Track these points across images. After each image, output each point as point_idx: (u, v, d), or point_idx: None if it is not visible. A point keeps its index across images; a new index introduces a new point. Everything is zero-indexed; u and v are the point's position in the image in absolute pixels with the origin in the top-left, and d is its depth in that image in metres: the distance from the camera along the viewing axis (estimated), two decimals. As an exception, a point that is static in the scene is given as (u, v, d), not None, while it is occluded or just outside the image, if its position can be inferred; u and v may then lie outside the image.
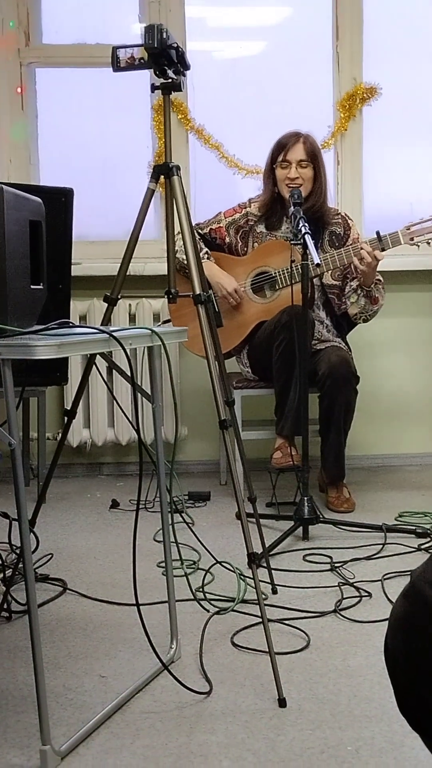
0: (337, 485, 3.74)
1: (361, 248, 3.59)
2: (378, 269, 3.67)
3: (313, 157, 3.79)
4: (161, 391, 4.06)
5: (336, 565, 2.95)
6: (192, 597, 2.61)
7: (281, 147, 3.79)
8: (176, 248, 2.92)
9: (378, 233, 3.62)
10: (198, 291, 2.38)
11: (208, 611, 2.55)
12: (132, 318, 4.34)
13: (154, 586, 2.77)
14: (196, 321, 2.38)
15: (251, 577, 2.25)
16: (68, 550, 3.20)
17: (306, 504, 3.23)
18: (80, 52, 4.46)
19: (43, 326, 1.84)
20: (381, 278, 3.78)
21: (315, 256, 3.07)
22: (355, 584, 2.75)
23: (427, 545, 3.13)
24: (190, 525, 3.38)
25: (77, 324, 2.38)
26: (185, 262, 2.50)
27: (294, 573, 2.90)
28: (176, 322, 3.76)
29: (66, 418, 2.76)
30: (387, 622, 1.19)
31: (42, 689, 1.73)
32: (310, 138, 3.81)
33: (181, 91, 2.56)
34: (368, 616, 2.51)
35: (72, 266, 2.90)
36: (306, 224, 3.17)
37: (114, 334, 1.83)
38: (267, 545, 2.90)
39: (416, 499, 3.87)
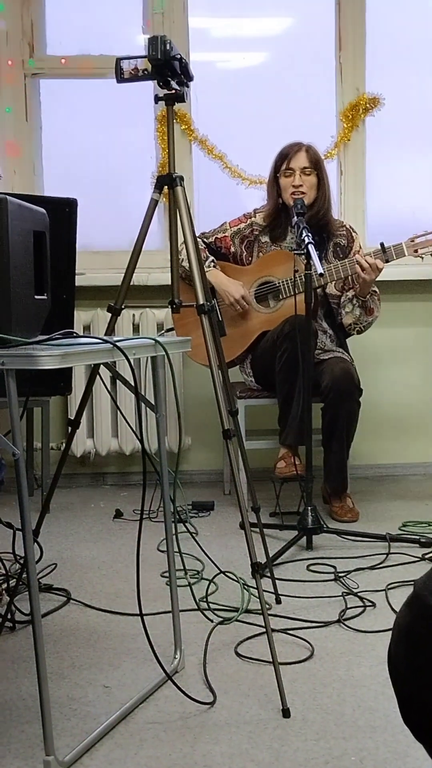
0: (340, 496, 3.74)
1: (364, 258, 3.60)
2: (381, 279, 3.68)
3: (316, 165, 3.81)
4: (165, 401, 4.05)
5: (340, 574, 2.95)
6: (196, 607, 2.61)
7: (284, 156, 3.80)
8: (180, 257, 2.92)
9: (382, 244, 3.63)
10: (201, 301, 2.39)
11: (211, 621, 2.54)
12: (136, 328, 4.35)
13: (157, 596, 2.77)
14: (200, 330, 2.38)
15: (255, 586, 2.25)
16: (72, 560, 3.20)
17: (310, 514, 3.23)
18: (84, 63, 4.48)
19: (47, 336, 1.85)
20: (377, 290, 3.79)
21: (318, 266, 3.07)
22: (359, 594, 2.75)
23: (430, 555, 3.13)
24: (194, 535, 3.38)
25: (81, 334, 2.39)
26: (189, 270, 2.50)
27: (298, 583, 2.90)
28: (180, 332, 3.77)
29: (70, 428, 2.77)
30: (390, 632, 1.19)
31: (46, 700, 1.73)
32: (313, 147, 3.83)
33: (184, 102, 2.57)
34: (372, 626, 2.50)
35: (76, 276, 2.91)
36: (309, 234, 3.18)
37: (118, 344, 1.84)
38: (271, 555, 2.90)
39: (420, 509, 3.87)
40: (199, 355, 3.52)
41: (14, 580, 2.64)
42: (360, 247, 3.92)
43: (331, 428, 3.64)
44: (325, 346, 3.87)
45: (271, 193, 3.89)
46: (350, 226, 3.98)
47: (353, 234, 3.94)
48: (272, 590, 2.73)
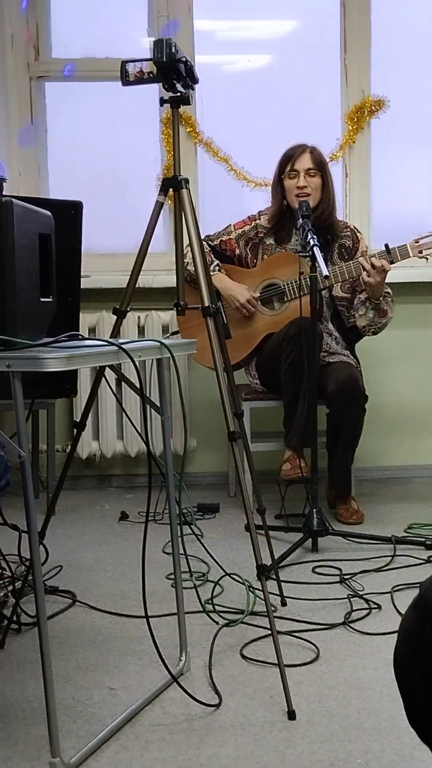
0: (344, 499, 3.75)
1: (370, 260, 3.60)
2: (387, 280, 3.67)
3: (321, 166, 3.81)
4: (170, 403, 4.05)
5: (345, 577, 2.94)
6: (201, 609, 2.61)
7: (288, 158, 3.80)
8: (186, 260, 2.92)
9: (387, 246, 3.63)
10: (207, 303, 2.39)
11: (217, 623, 2.54)
12: (141, 330, 4.35)
13: (163, 598, 2.77)
14: (205, 333, 2.38)
15: (260, 589, 2.24)
16: (77, 562, 3.20)
17: (315, 516, 3.23)
18: (89, 66, 4.48)
19: (53, 339, 1.85)
20: (390, 291, 3.79)
21: (324, 268, 3.07)
22: (364, 596, 2.75)
23: (436, 557, 3.13)
24: (199, 537, 3.38)
25: (86, 336, 2.39)
26: (194, 273, 2.50)
27: (303, 585, 2.90)
28: (185, 334, 3.77)
29: (75, 431, 2.77)
30: (396, 634, 1.19)
31: (51, 701, 1.73)
32: (317, 149, 3.84)
33: (189, 104, 2.57)
34: (378, 629, 2.50)
35: (81, 279, 2.91)
36: (315, 236, 3.18)
37: (123, 346, 1.84)
38: (276, 557, 2.90)
39: (425, 511, 3.86)
40: (204, 357, 3.52)
41: (20, 582, 2.64)
42: (366, 248, 3.92)
43: (336, 433, 3.64)
44: (331, 348, 3.87)
45: (275, 195, 3.89)
46: (355, 227, 3.98)
47: (358, 234, 3.94)
48: (278, 592, 2.73)
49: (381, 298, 3.73)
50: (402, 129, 4.56)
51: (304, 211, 3.37)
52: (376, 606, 2.67)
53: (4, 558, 2.63)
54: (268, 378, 3.84)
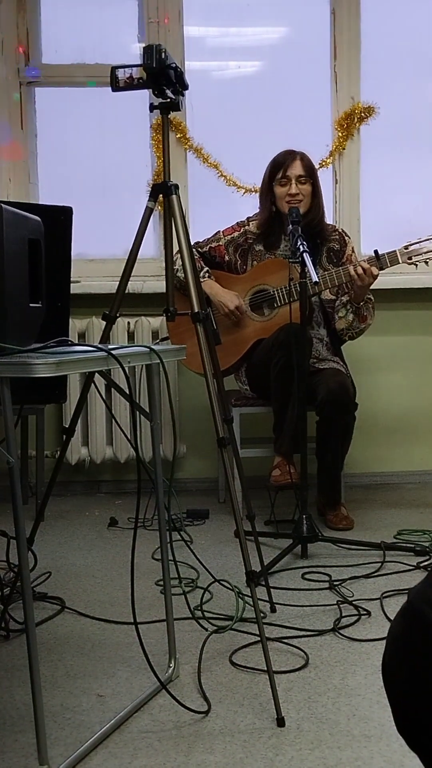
0: (334, 506, 3.75)
1: (359, 264, 3.61)
2: (376, 287, 3.68)
3: (311, 173, 3.82)
4: (160, 409, 4.05)
5: (335, 583, 2.94)
6: (190, 615, 2.61)
7: (279, 165, 3.81)
8: (175, 267, 2.92)
9: (376, 252, 3.64)
10: (196, 309, 2.39)
11: (206, 630, 2.54)
12: (131, 336, 4.35)
13: (152, 604, 2.77)
14: (195, 339, 2.38)
15: (250, 595, 2.24)
16: (66, 569, 3.19)
17: (305, 522, 3.23)
18: (79, 71, 4.48)
19: (42, 344, 1.84)
20: (372, 297, 3.80)
21: (313, 275, 3.08)
22: (353, 602, 2.75)
23: (426, 563, 3.13)
24: (189, 543, 3.37)
25: (76, 342, 2.39)
26: (184, 279, 2.50)
27: (293, 591, 2.89)
28: (175, 340, 3.77)
29: (64, 436, 2.77)
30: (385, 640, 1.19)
31: (39, 709, 1.72)
32: (306, 155, 3.85)
33: (179, 110, 2.57)
34: (367, 635, 2.50)
35: (71, 284, 2.91)
36: (304, 243, 3.18)
37: (113, 352, 1.84)
38: (266, 563, 2.90)
39: (415, 517, 3.87)
40: (193, 363, 3.52)
41: (8, 588, 2.63)
42: (353, 251, 3.93)
43: (325, 441, 3.65)
44: (320, 354, 3.87)
45: (264, 201, 3.90)
46: (343, 230, 3.99)
47: (346, 238, 3.95)
48: (267, 599, 2.73)
49: (362, 303, 3.74)
50: (391, 135, 4.58)
51: (294, 218, 3.37)
52: (365, 612, 2.67)
53: (-7, 564, 2.62)
54: (258, 384, 3.84)
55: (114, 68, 2.50)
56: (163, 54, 2.41)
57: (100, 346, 1.90)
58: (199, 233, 4.03)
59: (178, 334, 3.74)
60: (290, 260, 3.26)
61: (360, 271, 3.58)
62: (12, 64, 4.44)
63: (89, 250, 4.46)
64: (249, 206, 4.31)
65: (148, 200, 2.56)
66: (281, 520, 3.62)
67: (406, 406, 4.63)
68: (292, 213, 3.42)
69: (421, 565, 3.11)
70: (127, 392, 1.97)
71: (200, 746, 1.90)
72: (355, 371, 3.98)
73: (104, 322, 2.63)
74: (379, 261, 3.63)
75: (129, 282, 2.62)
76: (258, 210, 3.96)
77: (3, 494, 4.07)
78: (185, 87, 2.55)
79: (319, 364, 3.82)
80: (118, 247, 4.44)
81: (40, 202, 4.43)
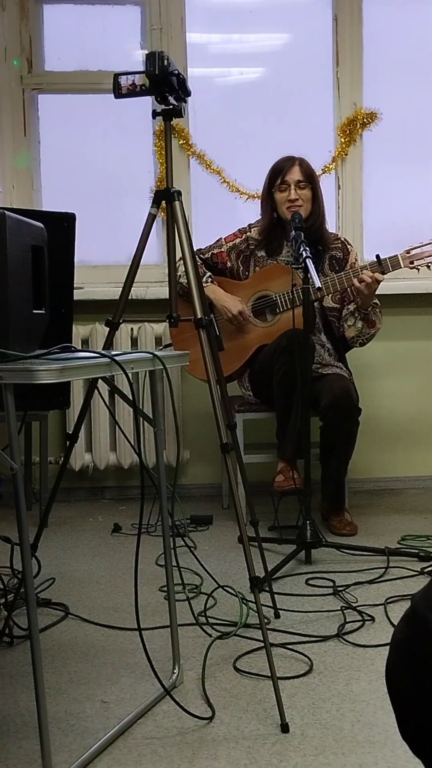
0: (337, 511, 3.75)
1: (362, 271, 3.61)
2: (379, 292, 3.69)
3: (311, 178, 3.83)
4: (163, 415, 4.06)
5: (339, 589, 2.94)
6: (194, 621, 2.60)
7: (278, 171, 3.82)
8: (178, 273, 2.93)
9: (378, 257, 3.64)
10: (199, 315, 2.39)
11: (210, 636, 2.54)
12: (134, 342, 4.35)
13: (156, 610, 2.76)
14: (198, 345, 2.38)
15: (254, 601, 2.24)
16: (70, 575, 3.19)
17: (308, 527, 3.23)
18: (82, 78, 4.50)
19: (45, 351, 1.85)
20: (378, 302, 3.80)
21: (316, 280, 3.08)
22: (357, 608, 2.74)
23: (429, 569, 3.12)
24: (192, 549, 3.37)
25: (79, 348, 2.39)
26: (187, 286, 2.51)
27: (296, 597, 2.89)
28: (178, 346, 3.77)
29: (68, 442, 2.77)
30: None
31: (44, 715, 1.72)
32: (305, 161, 3.85)
33: (182, 117, 2.57)
34: (371, 641, 2.50)
35: (74, 290, 2.91)
36: (307, 248, 3.18)
37: (116, 358, 1.84)
38: (269, 569, 2.89)
39: (419, 523, 3.86)
40: (197, 369, 3.52)
41: (12, 594, 2.63)
42: (356, 259, 3.94)
43: (329, 447, 3.65)
44: (324, 360, 3.87)
45: (265, 207, 3.90)
46: (345, 239, 4.00)
47: (348, 246, 3.95)
48: (271, 604, 2.73)
49: (369, 309, 3.75)
50: (394, 141, 4.59)
51: (296, 223, 3.37)
52: (369, 618, 2.67)
53: (-3, 570, 2.62)
54: (261, 389, 3.84)
55: (117, 75, 2.51)
56: (165, 61, 2.42)
57: (103, 352, 1.90)
58: (201, 239, 4.03)
59: (182, 341, 3.74)
60: (293, 266, 3.26)
61: (364, 276, 3.59)
62: (15, 71, 4.44)
63: (92, 256, 4.47)
64: (252, 212, 4.32)
65: (151, 206, 2.56)
66: (285, 526, 3.62)
67: (410, 412, 4.62)
68: (294, 218, 3.43)
69: (425, 570, 3.11)
70: (131, 398, 1.97)
71: (204, 752, 1.90)
72: (358, 377, 3.98)
73: (107, 329, 2.63)
74: (381, 266, 3.64)
75: (132, 288, 2.62)
76: (260, 216, 3.97)
77: (7, 500, 4.08)
78: (188, 93, 2.55)
79: (322, 369, 3.82)
80: (121, 254, 4.45)
81: (43, 209, 4.44)
